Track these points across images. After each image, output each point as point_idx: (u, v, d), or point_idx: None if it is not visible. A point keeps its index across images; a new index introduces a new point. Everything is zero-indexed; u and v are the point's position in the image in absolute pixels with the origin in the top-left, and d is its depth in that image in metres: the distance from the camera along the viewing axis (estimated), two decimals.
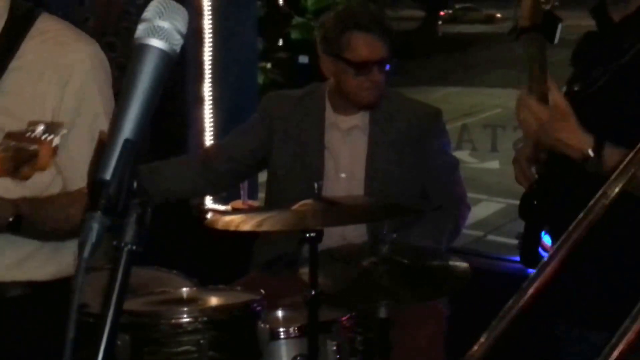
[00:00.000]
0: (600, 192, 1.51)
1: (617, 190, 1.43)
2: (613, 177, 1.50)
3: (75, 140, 2.29)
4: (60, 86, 2.31)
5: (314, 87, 3.57)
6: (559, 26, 2.35)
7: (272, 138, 3.51)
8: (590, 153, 2.18)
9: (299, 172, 3.42)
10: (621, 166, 1.44)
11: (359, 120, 3.48)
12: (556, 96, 2.28)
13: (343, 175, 3.47)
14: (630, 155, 1.49)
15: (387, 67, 3.40)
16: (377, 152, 3.44)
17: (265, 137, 3.52)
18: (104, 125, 2.26)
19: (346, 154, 3.48)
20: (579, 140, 2.20)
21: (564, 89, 2.52)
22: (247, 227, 2.83)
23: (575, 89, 2.43)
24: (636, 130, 1.98)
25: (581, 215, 1.41)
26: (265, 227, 2.85)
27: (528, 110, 2.29)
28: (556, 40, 2.37)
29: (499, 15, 27.16)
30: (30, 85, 2.32)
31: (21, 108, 2.29)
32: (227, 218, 3.03)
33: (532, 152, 2.42)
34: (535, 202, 2.48)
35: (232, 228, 2.82)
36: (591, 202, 1.48)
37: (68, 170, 2.35)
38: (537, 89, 2.31)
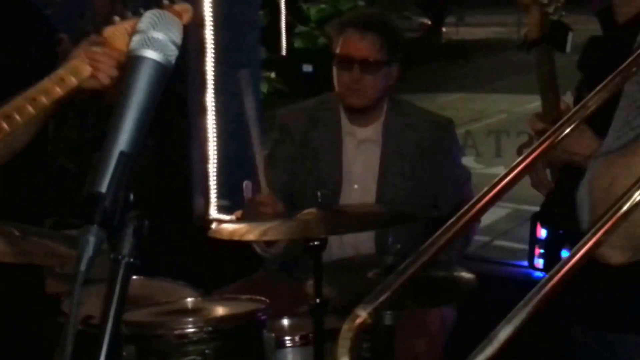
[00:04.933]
0: None
1: None
2: None
3: None
4: None
5: (327, 97, 3.54)
6: (570, 35, 2.36)
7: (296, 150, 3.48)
8: None
9: (315, 182, 3.39)
10: None
11: (373, 131, 3.47)
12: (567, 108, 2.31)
13: (356, 186, 3.45)
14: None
15: (380, 72, 3.36)
16: (390, 164, 3.43)
17: (293, 153, 3.49)
18: None
19: (359, 165, 3.47)
20: (588, 145, 2.21)
21: (574, 94, 2.53)
22: (251, 236, 2.82)
23: (585, 94, 2.44)
24: None
25: None
26: (269, 236, 2.84)
27: (541, 129, 2.33)
28: (568, 50, 2.37)
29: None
30: None
31: None
32: (231, 227, 3.02)
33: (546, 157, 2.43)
34: (556, 210, 2.48)
35: (236, 238, 2.82)
36: None
37: None
38: (550, 111, 2.34)
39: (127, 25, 2.50)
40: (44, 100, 2.45)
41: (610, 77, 1.30)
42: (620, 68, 1.31)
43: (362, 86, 3.35)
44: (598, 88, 1.29)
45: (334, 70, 3.39)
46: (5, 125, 2.42)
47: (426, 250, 1.15)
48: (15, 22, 3.92)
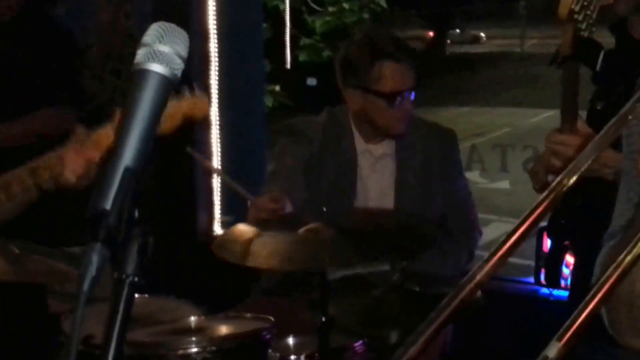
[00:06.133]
0: None
1: None
2: None
3: None
4: None
5: (336, 114, 3.48)
6: (602, 53, 2.37)
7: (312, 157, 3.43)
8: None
9: (325, 201, 3.32)
10: None
11: (388, 147, 3.44)
12: (587, 127, 2.36)
13: (372, 203, 3.42)
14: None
15: (413, 94, 3.35)
16: (406, 179, 3.42)
17: (309, 156, 3.42)
18: None
19: (375, 182, 3.44)
20: (612, 159, 2.24)
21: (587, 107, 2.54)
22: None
23: (598, 107, 2.45)
24: None
25: None
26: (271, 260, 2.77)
27: (558, 143, 2.34)
28: (598, 67, 2.38)
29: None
30: None
31: None
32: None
33: (549, 162, 2.45)
34: (563, 221, 2.49)
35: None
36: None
37: None
38: (568, 126, 2.36)
39: None
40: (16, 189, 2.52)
41: (608, 124, 1.31)
42: (617, 117, 1.32)
43: (407, 113, 3.34)
44: (599, 135, 1.30)
45: (372, 102, 3.31)
46: None
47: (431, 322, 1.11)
48: (39, 38, 3.97)
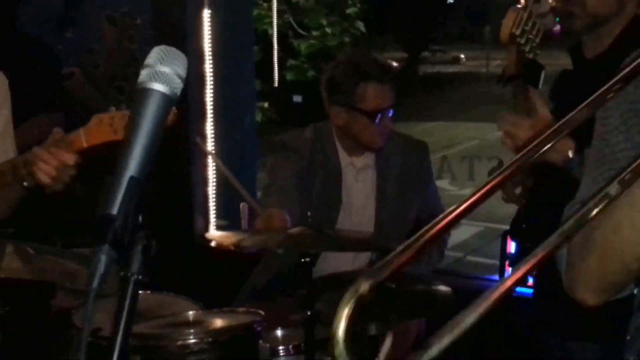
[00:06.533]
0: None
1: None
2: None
3: None
4: None
5: (320, 130, 3.48)
6: (543, 73, 2.37)
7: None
8: (570, 154, 2.18)
9: (318, 210, 3.30)
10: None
11: (369, 159, 3.45)
12: (540, 107, 2.27)
13: (354, 212, 3.42)
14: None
15: (391, 111, 3.36)
16: (385, 188, 3.42)
17: (300, 170, 3.40)
18: None
19: (358, 192, 3.44)
20: (561, 144, 2.17)
21: None
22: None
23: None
24: None
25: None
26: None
27: (510, 124, 2.28)
28: (540, 86, 2.39)
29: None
30: None
31: None
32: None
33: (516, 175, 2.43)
34: (524, 225, 2.49)
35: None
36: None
37: None
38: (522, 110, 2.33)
39: (110, 116, 2.42)
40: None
41: (586, 101, 1.30)
42: (595, 95, 1.31)
43: (387, 129, 3.35)
44: (568, 116, 1.28)
45: (356, 119, 3.31)
46: None
47: (423, 234, 1.11)
48: (22, 55, 3.93)
